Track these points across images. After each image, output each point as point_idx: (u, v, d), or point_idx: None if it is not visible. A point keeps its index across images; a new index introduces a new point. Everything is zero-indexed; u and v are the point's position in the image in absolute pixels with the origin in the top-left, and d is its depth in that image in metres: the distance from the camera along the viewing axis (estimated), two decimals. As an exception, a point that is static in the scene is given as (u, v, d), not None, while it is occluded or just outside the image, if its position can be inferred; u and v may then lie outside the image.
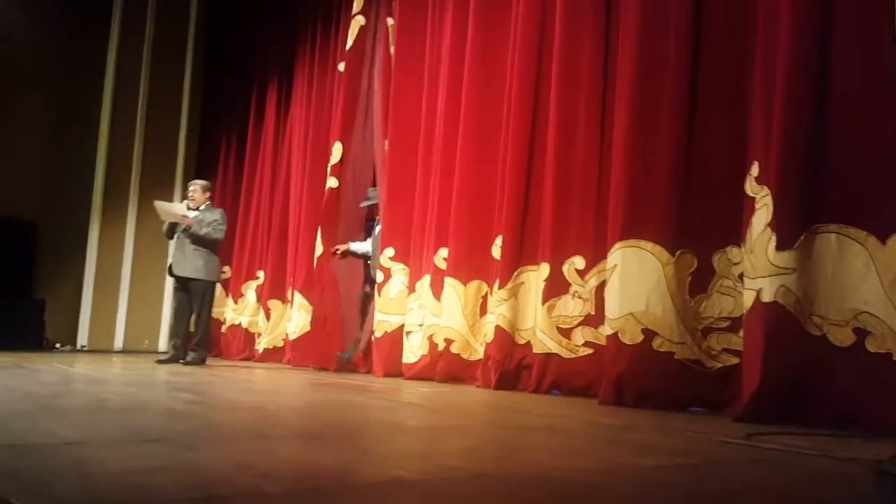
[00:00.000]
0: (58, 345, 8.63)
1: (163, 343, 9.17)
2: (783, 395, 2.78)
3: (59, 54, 9.23)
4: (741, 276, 3.19)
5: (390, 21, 6.25)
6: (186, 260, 6.16)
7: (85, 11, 9.25)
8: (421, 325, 5.13)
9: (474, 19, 5.05)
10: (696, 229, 3.45)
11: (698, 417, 3.07)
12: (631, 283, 3.48)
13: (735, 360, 3.24)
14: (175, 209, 6.37)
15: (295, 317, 6.88)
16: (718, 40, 3.54)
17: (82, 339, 8.94)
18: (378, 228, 5.99)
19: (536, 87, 4.47)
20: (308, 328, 6.54)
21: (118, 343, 9.10)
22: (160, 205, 6.38)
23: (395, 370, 5.29)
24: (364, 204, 6.30)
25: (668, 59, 3.58)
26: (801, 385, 2.77)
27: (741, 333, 3.17)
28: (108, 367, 5.63)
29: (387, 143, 5.90)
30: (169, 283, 9.05)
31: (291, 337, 6.92)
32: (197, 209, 6.33)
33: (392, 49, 6.16)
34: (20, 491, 1.25)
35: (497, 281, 4.42)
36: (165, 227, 6.38)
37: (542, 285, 4.16)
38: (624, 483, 1.57)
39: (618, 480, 1.59)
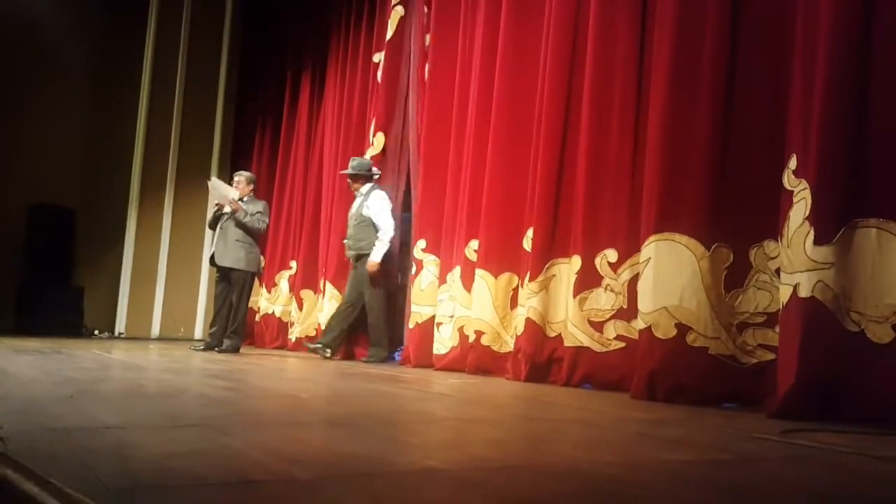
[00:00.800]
0: (96, 332, 8.81)
1: (198, 331, 9.33)
2: (819, 391, 2.73)
3: (97, 44, 9.39)
4: (778, 271, 3.13)
5: (415, 20, 6.26)
6: (228, 250, 6.26)
7: (123, 1, 9.40)
8: (451, 317, 5.14)
9: (507, 8, 5.02)
10: (733, 223, 3.39)
11: (732, 413, 3.04)
12: (665, 276, 3.44)
13: (771, 356, 3.19)
14: (227, 191, 6.46)
15: (326, 306, 6.93)
16: (756, 27, 3.47)
17: (120, 326, 9.13)
18: (359, 203, 6.00)
19: (570, 77, 4.42)
20: (340, 318, 6.58)
21: (155, 330, 9.28)
22: (216, 182, 6.51)
23: (426, 361, 5.31)
24: (343, 172, 6.33)
25: (705, 48, 3.52)
26: (838, 382, 2.72)
27: (777, 329, 3.12)
28: (145, 354, 5.74)
29: (420, 134, 5.91)
30: (205, 271, 9.23)
31: (323, 327, 6.97)
32: (240, 200, 6.42)
33: (418, 45, 6.17)
34: (61, 473, 1.28)
35: (528, 273, 4.40)
36: (210, 217, 6.53)
37: (573, 278, 4.13)
38: (654, 478, 1.56)
39: (648, 475, 1.58)
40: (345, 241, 6.21)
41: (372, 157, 6.42)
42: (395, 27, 6.43)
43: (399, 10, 6.42)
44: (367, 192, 6.09)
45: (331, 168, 7.44)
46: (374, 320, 5.90)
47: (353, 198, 6.63)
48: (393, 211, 6.10)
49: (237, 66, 9.95)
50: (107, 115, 9.40)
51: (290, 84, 8.64)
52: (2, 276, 8.50)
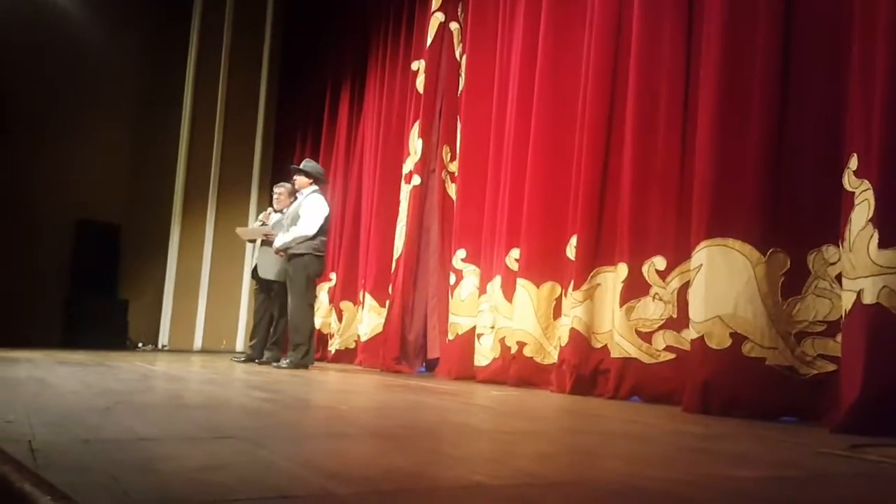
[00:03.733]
0: (140, 344, 8.92)
1: (240, 343, 9.37)
2: (887, 404, 2.56)
3: (140, 61, 9.58)
4: (839, 277, 2.97)
5: (454, 25, 6.21)
6: (271, 263, 6.25)
7: (164, 17, 9.58)
8: (492, 328, 5.03)
9: (547, 12, 4.92)
10: (789, 227, 3.23)
11: (792, 427, 2.88)
12: (718, 284, 3.29)
13: (832, 367, 3.02)
14: (254, 232, 6.53)
15: (365, 318, 6.89)
16: (811, 19, 3.31)
17: (163, 338, 9.23)
18: (297, 204, 5.92)
19: (613, 78, 4.30)
20: (379, 330, 6.54)
21: (197, 343, 9.36)
22: (241, 231, 6.57)
23: (467, 373, 5.20)
24: (292, 167, 6.33)
25: (756, 44, 3.37)
26: (907, 394, 2.55)
27: (838, 338, 2.95)
28: (187, 366, 5.75)
29: (458, 142, 5.84)
30: (246, 284, 9.28)
31: (363, 339, 6.93)
32: (281, 211, 6.42)
33: (457, 51, 6.12)
34: (88, 485, 1.22)
35: (572, 282, 4.28)
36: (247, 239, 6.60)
37: (619, 287, 4.00)
38: (718, 496, 1.44)
39: (712, 493, 1.46)
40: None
41: (415, 165, 6.37)
42: (434, 34, 6.39)
43: (438, 17, 6.38)
44: (307, 194, 5.99)
45: (370, 178, 7.43)
46: (300, 322, 5.75)
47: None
48: (326, 220, 5.96)
49: (277, 79, 10.06)
50: (150, 132, 9.57)
51: (329, 94, 8.68)
52: (49, 291, 8.66)
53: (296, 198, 6.30)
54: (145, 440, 1.78)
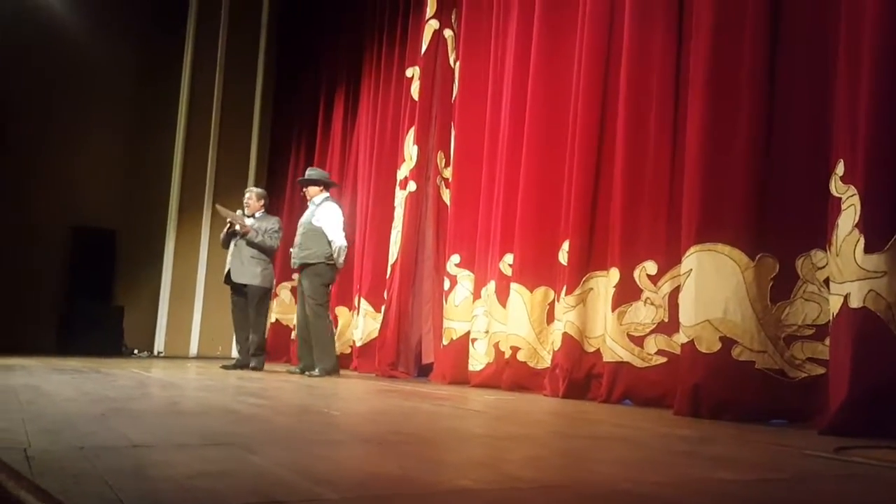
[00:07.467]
0: (136, 351, 8.91)
1: (235, 349, 9.38)
2: (874, 406, 2.61)
3: (134, 68, 9.58)
4: (827, 281, 3.01)
5: (448, 33, 6.25)
6: (244, 267, 6.23)
7: (159, 25, 9.60)
8: (486, 332, 5.06)
9: (540, 19, 4.97)
10: (777, 232, 3.27)
11: (782, 430, 2.91)
12: (707, 288, 3.33)
13: (821, 370, 3.06)
14: (234, 215, 6.47)
15: (361, 323, 6.91)
16: (798, 27, 3.36)
17: (159, 345, 9.23)
18: (310, 213, 5.92)
19: (604, 85, 4.35)
20: (374, 335, 6.56)
21: (193, 349, 9.35)
22: (220, 209, 6.48)
23: (462, 378, 5.23)
24: (300, 181, 6.30)
25: (744, 52, 3.42)
26: (893, 396, 2.58)
27: (827, 342, 2.99)
28: (182, 373, 5.76)
29: (452, 148, 5.87)
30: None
31: (358, 344, 6.95)
32: (252, 216, 6.41)
33: (451, 58, 6.16)
34: (82, 492, 1.24)
35: (564, 287, 4.31)
36: (223, 235, 6.46)
37: (611, 291, 4.03)
38: (705, 499, 1.46)
39: (698, 496, 1.49)
40: (291, 250, 6.08)
41: (410, 171, 6.39)
42: (429, 41, 6.42)
43: (433, 24, 6.42)
44: (319, 203, 6.00)
45: (365, 184, 7.46)
46: (318, 332, 5.75)
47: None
48: (344, 225, 5.99)
49: (272, 86, 10.08)
50: (146, 138, 9.57)
51: (324, 101, 8.72)
52: (45, 297, 8.67)
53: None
54: (140, 447, 1.80)
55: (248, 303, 6.30)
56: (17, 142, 8.68)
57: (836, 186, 2.94)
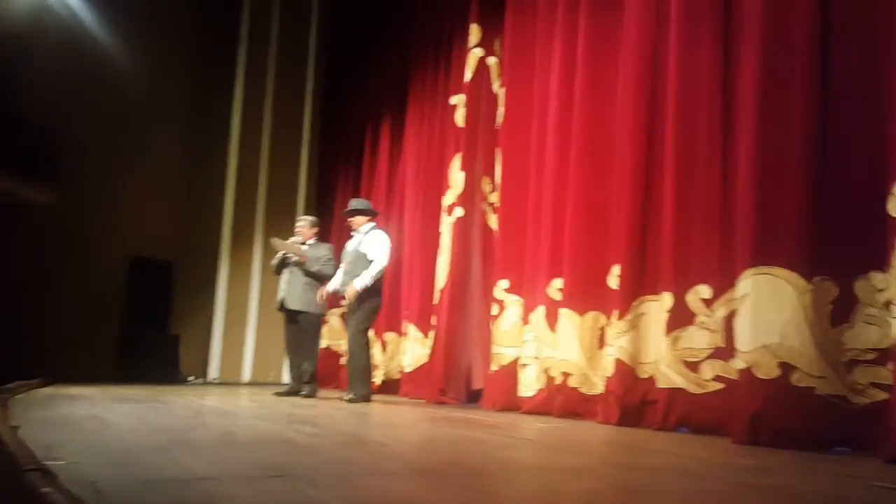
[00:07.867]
0: (191, 377, 9.10)
1: (286, 375, 9.49)
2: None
3: (187, 100, 9.92)
4: (888, 304, 2.92)
5: (491, 60, 6.31)
6: (298, 294, 6.31)
7: (209, 54, 9.92)
8: (536, 358, 5.03)
9: (584, 44, 4.97)
10: (835, 254, 3.18)
11: (845, 459, 2.82)
12: (764, 313, 3.25)
13: (884, 395, 2.96)
14: (289, 246, 6.55)
15: (409, 349, 6.94)
16: (851, 43, 3.29)
17: (213, 371, 9.41)
18: (356, 241, 5.93)
19: (652, 105, 4.30)
20: (423, 360, 6.57)
21: (246, 375, 9.51)
22: (276, 242, 6.57)
23: (512, 404, 5.19)
24: (345, 212, 6.28)
25: (795, 68, 3.35)
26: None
27: (890, 366, 2.89)
28: (237, 400, 5.86)
29: (498, 173, 5.90)
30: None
31: (407, 370, 6.97)
32: (303, 244, 6.51)
33: (495, 85, 6.20)
34: (152, 528, 1.28)
35: (615, 312, 4.26)
36: (275, 262, 6.53)
37: (664, 316, 3.98)
38: (769, 535, 1.43)
39: (762, 532, 1.46)
40: (337, 278, 6.08)
41: (457, 197, 6.42)
42: (473, 69, 6.48)
43: (477, 52, 6.48)
44: (366, 232, 6.01)
45: (411, 210, 7.52)
46: (355, 358, 5.74)
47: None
48: (391, 251, 5.98)
49: (320, 113, 10.30)
50: (198, 168, 9.88)
51: (370, 128, 8.86)
52: (103, 326, 8.93)
53: (351, 235, 6.24)
54: (202, 479, 1.84)
55: (302, 329, 6.38)
56: (78, 177, 9.02)
57: (894, 207, 2.86)
